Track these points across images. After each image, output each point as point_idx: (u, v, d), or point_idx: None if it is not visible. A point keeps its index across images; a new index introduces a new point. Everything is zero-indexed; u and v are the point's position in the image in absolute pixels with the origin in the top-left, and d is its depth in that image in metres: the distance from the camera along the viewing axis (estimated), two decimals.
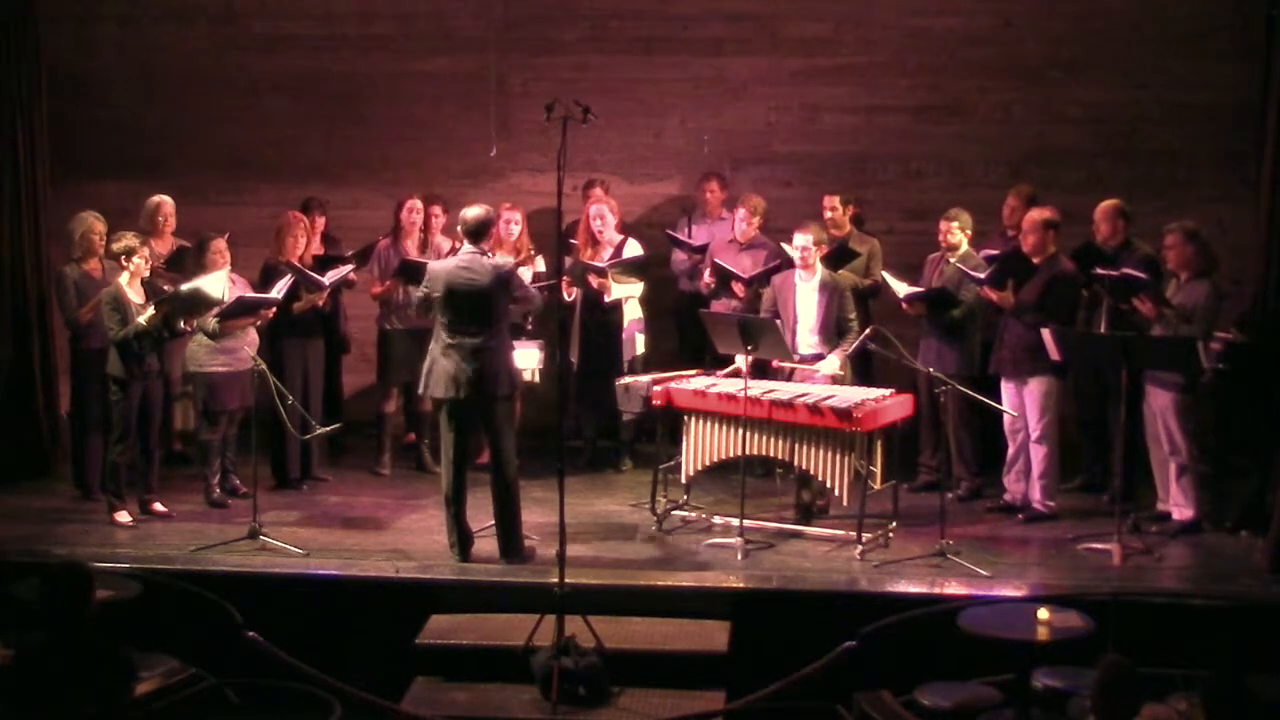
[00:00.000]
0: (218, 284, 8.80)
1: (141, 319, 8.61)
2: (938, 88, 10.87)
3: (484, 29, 11.11)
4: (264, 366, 8.53)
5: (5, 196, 9.70)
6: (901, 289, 9.23)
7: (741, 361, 8.73)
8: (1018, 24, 10.78)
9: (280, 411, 8.55)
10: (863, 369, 9.42)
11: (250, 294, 9.02)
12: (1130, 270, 8.65)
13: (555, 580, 7.34)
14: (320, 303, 9.46)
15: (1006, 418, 8.83)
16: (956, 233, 9.21)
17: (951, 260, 9.18)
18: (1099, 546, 8.31)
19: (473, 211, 8.19)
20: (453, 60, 11.12)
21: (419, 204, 9.96)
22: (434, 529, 8.55)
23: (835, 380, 8.85)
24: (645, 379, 9.08)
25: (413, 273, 9.11)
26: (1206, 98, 10.54)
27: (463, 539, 8.16)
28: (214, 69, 11.18)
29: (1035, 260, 8.79)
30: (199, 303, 8.74)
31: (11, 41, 9.68)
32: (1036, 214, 8.91)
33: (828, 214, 9.96)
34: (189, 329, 8.86)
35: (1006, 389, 8.88)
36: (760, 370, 8.92)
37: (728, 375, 8.85)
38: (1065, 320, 8.71)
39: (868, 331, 8.82)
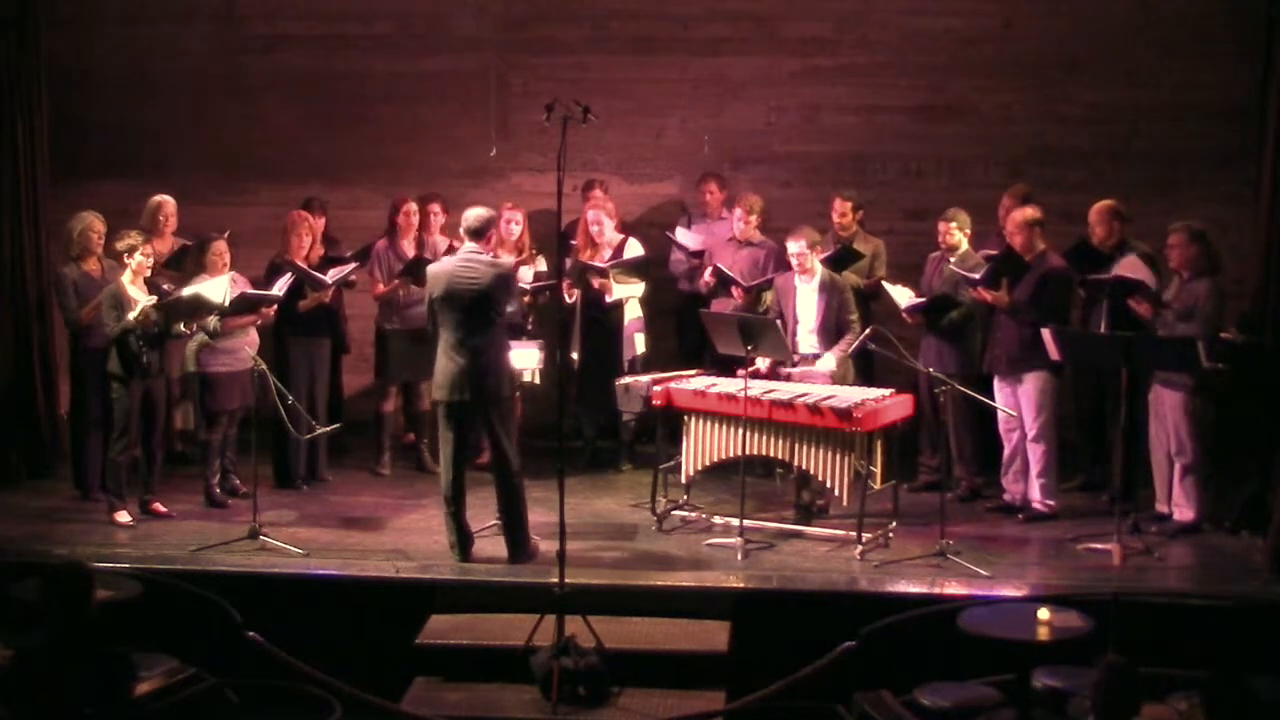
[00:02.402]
0: (219, 288, 8.77)
1: (131, 315, 8.56)
2: (938, 88, 10.86)
3: (484, 29, 11.12)
4: (264, 366, 8.52)
5: (5, 196, 9.68)
6: (902, 299, 9.20)
7: (763, 364, 8.79)
8: (1018, 24, 10.79)
9: (280, 411, 8.55)
10: (863, 369, 9.42)
11: (251, 290, 9.03)
12: (1123, 274, 8.65)
13: (555, 580, 7.34)
14: (326, 299, 9.47)
15: (1002, 417, 8.82)
16: (955, 233, 9.20)
17: (951, 261, 9.17)
18: (1099, 546, 8.31)
19: (475, 211, 8.20)
20: (453, 60, 11.11)
21: (414, 205, 9.96)
22: (434, 529, 8.55)
23: (835, 380, 8.85)
24: (645, 379, 9.07)
25: (421, 270, 9.03)
26: (1206, 98, 10.56)
27: (463, 539, 8.15)
28: (214, 69, 11.17)
29: (1027, 259, 8.79)
30: (200, 307, 8.72)
31: (11, 41, 9.66)
32: (1019, 214, 8.90)
33: (836, 218, 9.95)
34: (189, 331, 8.85)
35: (1000, 388, 8.87)
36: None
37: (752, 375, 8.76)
38: (1058, 317, 8.71)
39: (868, 331, 8.81)
